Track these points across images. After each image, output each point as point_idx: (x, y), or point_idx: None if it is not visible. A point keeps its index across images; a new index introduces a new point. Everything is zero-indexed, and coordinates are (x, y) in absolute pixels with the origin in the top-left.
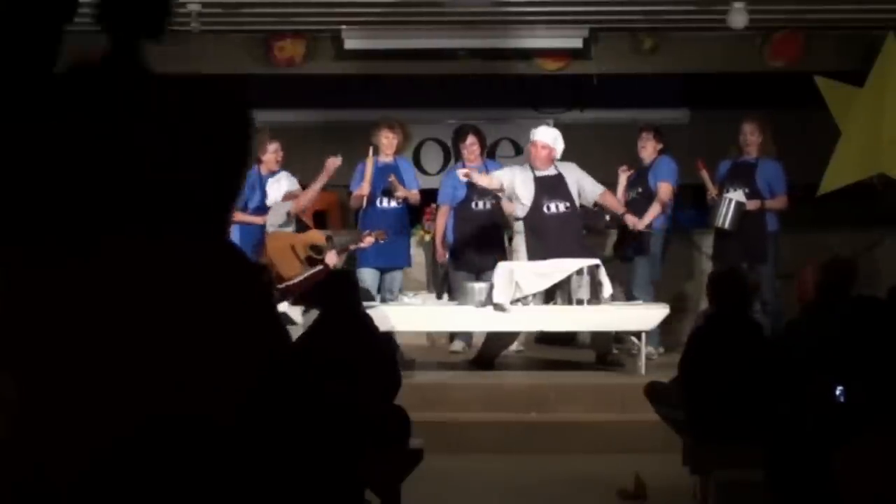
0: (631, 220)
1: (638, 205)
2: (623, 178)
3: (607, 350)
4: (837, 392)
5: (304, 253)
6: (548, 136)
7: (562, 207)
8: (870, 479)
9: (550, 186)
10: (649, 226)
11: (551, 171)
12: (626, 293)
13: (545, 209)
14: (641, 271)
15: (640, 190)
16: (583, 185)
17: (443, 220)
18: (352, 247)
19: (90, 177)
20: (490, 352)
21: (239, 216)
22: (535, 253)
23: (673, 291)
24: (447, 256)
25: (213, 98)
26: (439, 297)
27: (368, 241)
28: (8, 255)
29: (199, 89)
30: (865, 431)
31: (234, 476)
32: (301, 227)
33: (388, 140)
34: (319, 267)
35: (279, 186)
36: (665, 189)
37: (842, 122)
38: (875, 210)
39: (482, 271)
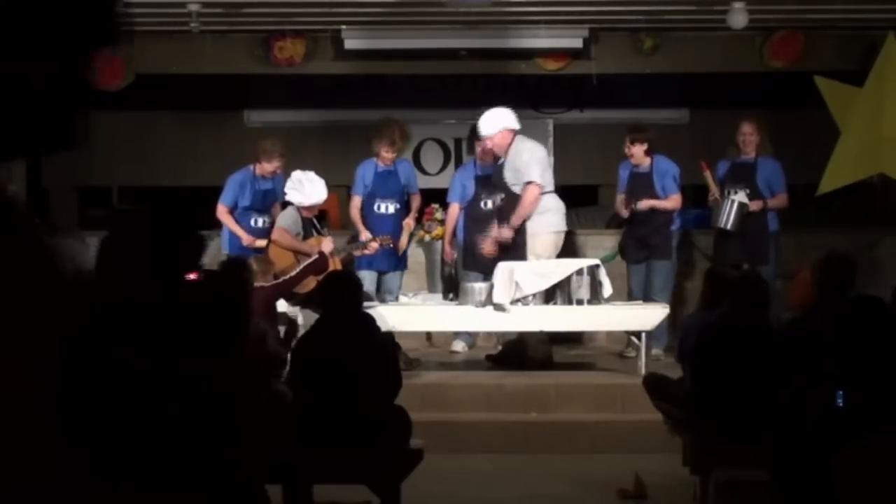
0: (646, 204)
1: (647, 216)
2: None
3: (546, 354)
4: (838, 394)
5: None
6: (485, 130)
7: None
8: (869, 482)
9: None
10: (668, 227)
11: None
12: (643, 297)
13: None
14: (662, 274)
15: (651, 210)
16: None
17: (453, 218)
18: (356, 252)
19: None
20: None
21: (229, 219)
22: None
23: (672, 291)
24: (454, 255)
25: None
26: (445, 296)
27: (373, 246)
28: None
29: None
30: (866, 434)
31: None
32: (308, 229)
33: (386, 154)
34: (315, 256)
35: (313, 189)
36: (679, 200)
37: (841, 122)
38: (875, 210)
39: (492, 270)
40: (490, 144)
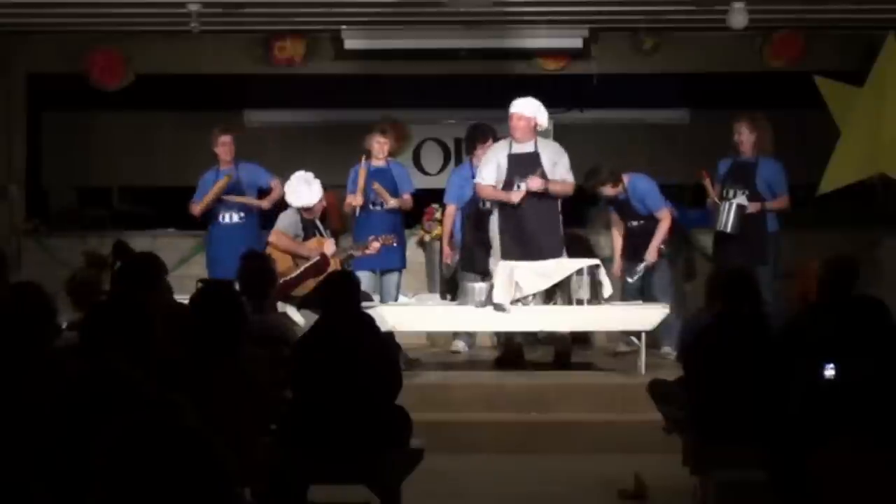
0: (652, 256)
1: (641, 233)
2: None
3: (566, 350)
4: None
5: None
6: (525, 108)
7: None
8: (853, 483)
9: (523, 164)
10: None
11: (527, 148)
12: (647, 298)
13: (516, 188)
14: (663, 274)
15: (641, 221)
16: (556, 169)
17: (450, 220)
18: (357, 253)
19: None
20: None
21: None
22: (506, 232)
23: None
24: (455, 257)
25: None
26: (443, 297)
27: (375, 246)
28: None
29: None
30: (856, 431)
31: None
32: (308, 229)
33: (379, 145)
34: (317, 258)
35: (309, 191)
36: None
37: (841, 122)
38: (875, 210)
39: (488, 272)
40: (522, 123)
